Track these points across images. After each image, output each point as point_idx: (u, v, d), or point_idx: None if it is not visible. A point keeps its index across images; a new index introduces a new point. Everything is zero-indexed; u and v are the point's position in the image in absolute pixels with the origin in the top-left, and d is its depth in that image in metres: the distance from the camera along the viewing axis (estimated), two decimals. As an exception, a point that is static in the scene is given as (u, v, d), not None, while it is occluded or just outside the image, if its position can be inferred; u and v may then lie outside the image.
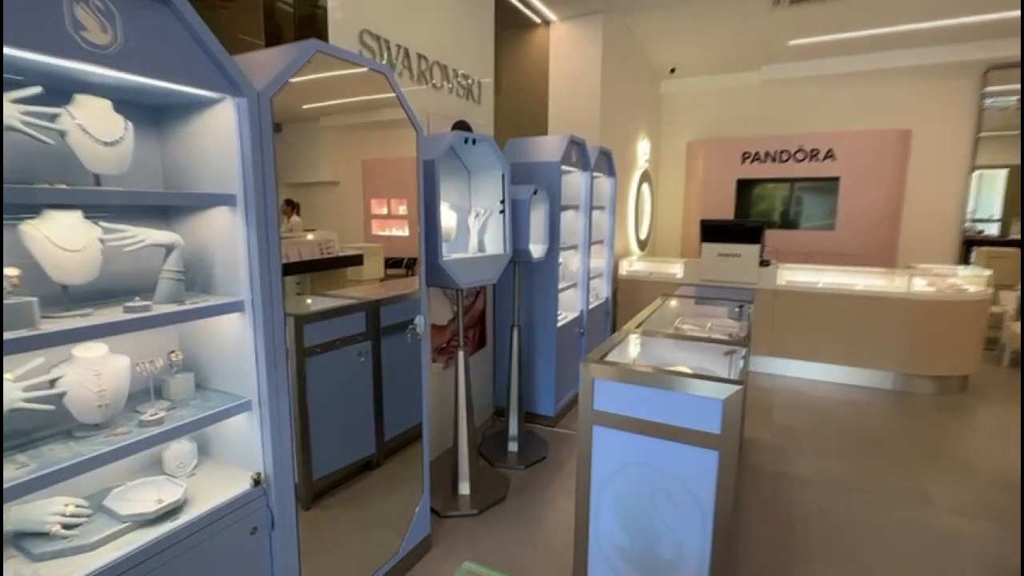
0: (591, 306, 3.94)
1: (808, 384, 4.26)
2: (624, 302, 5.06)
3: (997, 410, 3.78)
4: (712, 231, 4.60)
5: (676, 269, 4.93)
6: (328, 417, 2.34)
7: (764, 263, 4.44)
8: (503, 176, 2.49)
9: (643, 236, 6.07)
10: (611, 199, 4.22)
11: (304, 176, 2.08)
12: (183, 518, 1.28)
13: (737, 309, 2.77)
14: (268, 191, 1.37)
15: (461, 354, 2.51)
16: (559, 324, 3.40)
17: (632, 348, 2.05)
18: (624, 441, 1.62)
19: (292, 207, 2.03)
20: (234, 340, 1.44)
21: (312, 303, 2.53)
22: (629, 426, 1.60)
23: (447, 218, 2.31)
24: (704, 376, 1.52)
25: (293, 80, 1.45)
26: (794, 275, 4.49)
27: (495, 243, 2.57)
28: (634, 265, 5.27)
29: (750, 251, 4.42)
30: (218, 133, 1.34)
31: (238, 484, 1.43)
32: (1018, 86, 5.19)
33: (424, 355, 2.09)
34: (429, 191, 2.10)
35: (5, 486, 0.98)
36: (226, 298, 1.39)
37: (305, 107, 2.13)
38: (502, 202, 2.50)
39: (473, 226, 2.53)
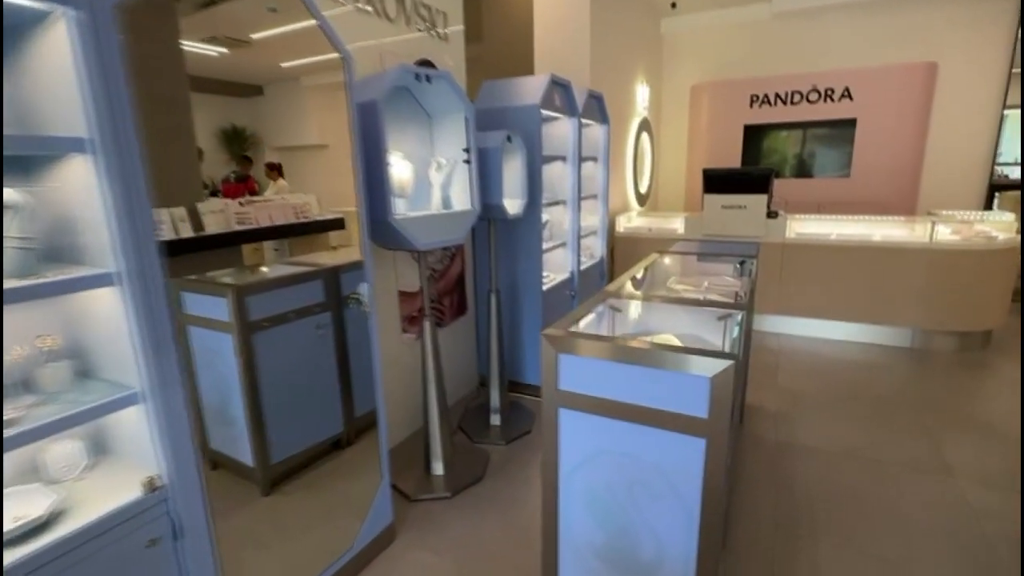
0: (583, 267, 3.65)
1: (819, 344, 3.99)
2: (622, 261, 4.76)
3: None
4: (716, 181, 4.24)
5: (677, 224, 4.59)
6: (284, 397, 2.12)
7: (772, 214, 4.10)
8: (466, 120, 2.17)
9: (643, 190, 5.70)
10: (604, 149, 3.86)
11: (289, 139, 1.92)
12: (52, 535, 1.06)
13: (738, 265, 2.47)
14: (125, 134, 1.08)
15: (427, 324, 2.26)
16: (546, 287, 3.13)
17: (610, 315, 1.77)
18: (595, 426, 1.36)
19: (275, 169, 1.88)
20: (114, 321, 1.18)
21: (268, 272, 2.28)
22: (600, 409, 1.35)
23: (400, 170, 2.01)
24: (687, 350, 1.24)
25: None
26: (804, 227, 4.14)
27: (462, 198, 2.27)
28: (632, 221, 4.93)
29: (757, 202, 4.07)
30: (55, 60, 1.04)
31: (130, 490, 1.20)
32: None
33: (373, 330, 1.83)
34: (369, 138, 1.80)
35: None
36: (91, 270, 1.13)
37: (284, 65, 1.84)
38: (466, 150, 2.18)
39: (435, 179, 2.23)
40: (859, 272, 3.84)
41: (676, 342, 1.56)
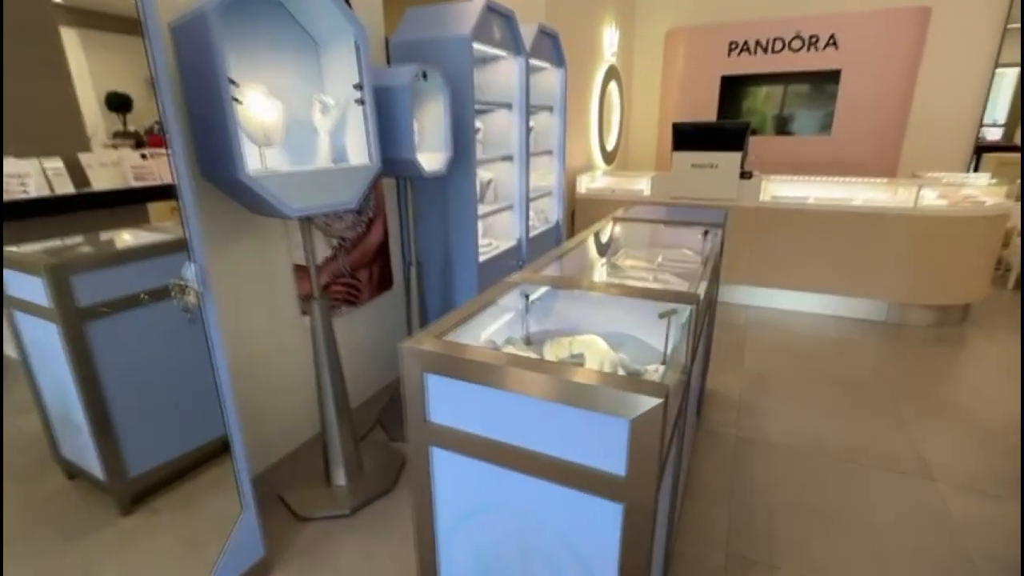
0: (535, 232, 3.22)
1: (790, 317, 3.68)
2: (583, 226, 4.33)
3: (1000, 339, 3.24)
4: (686, 137, 3.79)
5: (643, 185, 4.17)
6: (142, 397, 1.71)
7: (745, 175, 3.70)
8: (357, 47, 1.67)
9: (610, 147, 5.22)
10: (560, 97, 3.37)
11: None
12: None
13: (701, 236, 2.07)
14: None
15: (316, 307, 1.82)
16: (485, 257, 2.70)
17: (520, 309, 1.36)
18: (478, 474, 0.97)
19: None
20: None
21: (114, 243, 1.81)
22: (483, 453, 0.95)
23: (262, 110, 1.52)
24: (599, 379, 0.84)
25: None
26: (780, 188, 3.76)
27: (361, 151, 1.80)
28: (596, 181, 4.49)
29: (730, 160, 3.65)
30: None
31: None
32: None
33: (212, 328, 1.39)
34: (198, 66, 1.31)
35: None
36: None
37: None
38: (358, 87, 1.70)
39: (321, 125, 1.74)
40: (836, 239, 3.50)
41: (600, 347, 1.16)
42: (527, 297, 1.33)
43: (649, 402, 0.77)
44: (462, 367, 0.92)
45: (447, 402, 0.97)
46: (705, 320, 1.77)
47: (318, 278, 1.81)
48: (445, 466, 1.01)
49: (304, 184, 1.58)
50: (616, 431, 0.81)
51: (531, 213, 3.39)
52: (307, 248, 1.76)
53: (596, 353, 1.13)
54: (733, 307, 3.89)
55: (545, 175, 3.51)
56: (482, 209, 2.79)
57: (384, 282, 2.64)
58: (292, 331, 2.10)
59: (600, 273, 1.75)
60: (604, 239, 2.12)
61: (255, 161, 1.59)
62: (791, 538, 1.74)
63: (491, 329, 1.30)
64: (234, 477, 1.52)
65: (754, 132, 5.27)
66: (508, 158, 2.93)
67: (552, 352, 1.21)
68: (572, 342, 1.19)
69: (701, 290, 1.30)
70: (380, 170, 1.79)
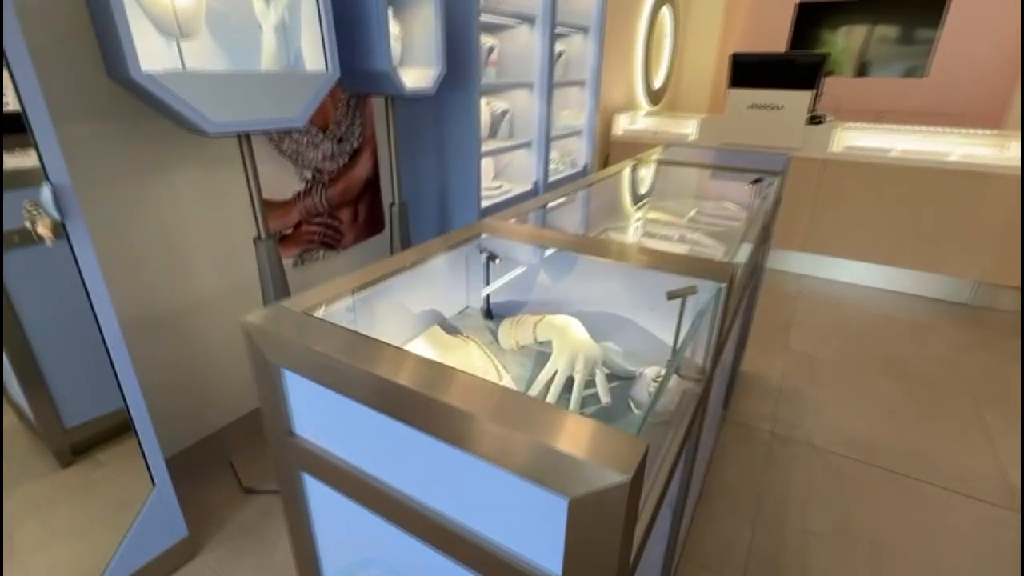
0: (556, 177, 2.80)
1: (851, 292, 3.16)
2: (617, 173, 3.84)
3: (1122, 341, 2.65)
4: (747, 71, 3.19)
5: (690, 128, 3.61)
6: (70, 343, 1.49)
7: (816, 119, 3.10)
8: (302, -93, 1.25)
9: (657, 85, 4.60)
10: (598, 16, 2.83)
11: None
12: None
13: (751, 184, 1.61)
14: None
15: (261, 248, 1.50)
16: (490, 203, 2.32)
17: (477, 270, 0.99)
18: (361, 521, 0.64)
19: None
20: None
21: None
22: (362, 495, 0.62)
23: (167, -12, 1.15)
24: (526, 425, 0.47)
25: None
26: (857, 138, 3.15)
27: (316, 54, 1.42)
28: (637, 122, 3.94)
29: (797, 101, 3.05)
30: None
31: None
32: None
33: (89, 273, 1.09)
34: None
35: None
36: None
37: None
38: (306, -34, 1.29)
39: (264, 17, 1.36)
40: (922, 202, 2.91)
41: (575, 336, 0.79)
42: (488, 256, 0.96)
43: (604, 478, 0.41)
44: (329, 370, 0.57)
45: (315, 413, 0.63)
46: (746, 295, 1.36)
47: (263, 214, 1.48)
48: (321, 500, 0.69)
49: (233, 92, 1.23)
50: (548, 511, 0.45)
51: (554, 154, 2.95)
52: (248, 175, 1.43)
53: (567, 344, 0.77)
54: (784, 275, 3.38)
55: (574, 111, 3.03)
56: (492, 145, 2.38)
57: (373, 224, 2.31)
58: (250, 277, 1.81)
59: (606, 228, 1.35)
60: (624, 184, 1.70)
61: (168, 58, 1.24)
62: (830, 569, 1.38)
63: (437, 295, 0.94)
64: (140, 450, 1.26)
65: (830, 73, 4.52)
66: (527, 86, 2.48)
67: (509, 336, 0.85)
68: (539, 324, 0.82)
69: (740, 258, 0.89)
70: (337, 79, 1.41)
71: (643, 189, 1.74)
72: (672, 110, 5.23)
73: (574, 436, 0.43)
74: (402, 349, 0.56)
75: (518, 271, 0.99)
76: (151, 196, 1.48)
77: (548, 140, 2.62)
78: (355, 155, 2.14)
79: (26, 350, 1.38)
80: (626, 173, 1.78)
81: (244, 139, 1.40)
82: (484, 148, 2.26)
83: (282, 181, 1.88)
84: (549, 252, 0.97)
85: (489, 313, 0.99)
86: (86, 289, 1.10)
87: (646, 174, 1.83)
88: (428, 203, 2.30)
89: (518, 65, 2.47)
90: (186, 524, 1.37)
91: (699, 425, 0.88)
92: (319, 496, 0.68)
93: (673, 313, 0.81)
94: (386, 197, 2.35)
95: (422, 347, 0.72)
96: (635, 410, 0.73)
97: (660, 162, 1.96)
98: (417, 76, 1.72)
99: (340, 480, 0.63)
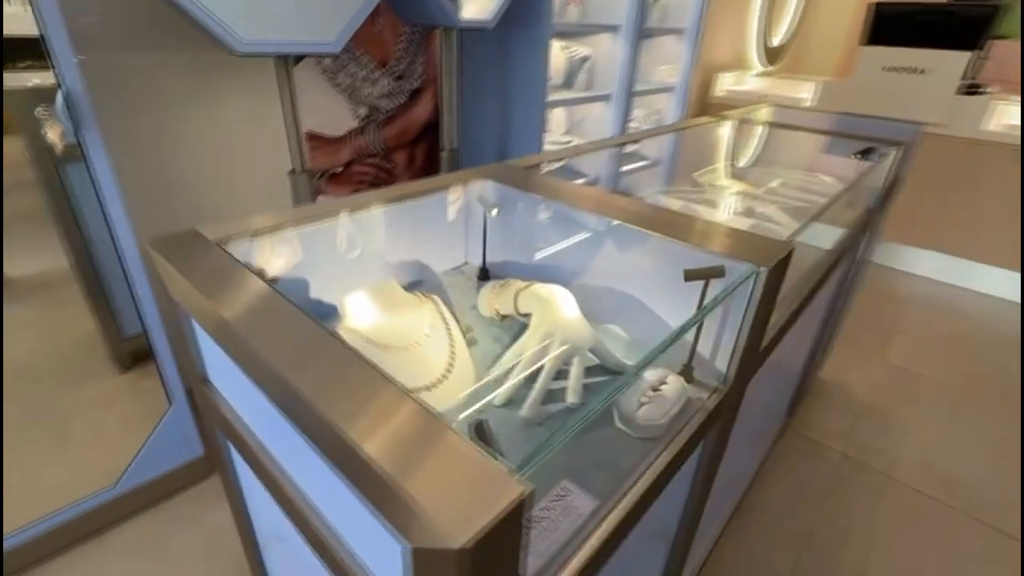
0: (635, 137, 2.53)
1: (982, 304, 2.64)
2: (713, 139, 3.44)
3: None
4: (889, 25, 2.66)
5: (807, 93, 3.12)
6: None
7: (973, 89, 2.53)
8: None
9: (777, 41, 4.03)
10: (707, -49, 2.46)
11: None
12: None
13: (858, 156, 1.31)
14: None
15: (295, 181, 1.46)
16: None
17: (465, 224, 0.85)
18: (268, 499, 0.56)
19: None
20: None
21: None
22: (259, 470, 0.52)
23: None
24: (377, 469, 0.34)
25: None
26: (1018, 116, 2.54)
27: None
28: (744, 83, 3.49)
29: (950, 63, 2.50)
30: None
31: None
32: None
33: (105, 187, 1.08)
34: None
35: None
36: None
37: None
38: None
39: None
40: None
41: (559, 313, 0.63)
42: (487, 207, 0.81)
43: (434, 538, 0.27)
44: (215, 325, 0.47)
45: (219, 364, 0.54)
46: (824, 288, 1.11)
47: (300, 145, 1.42)
48: (241, 468, 0.61)
49: (265, 8, 1.15)
50: (390, 554, 0.32)
51: (637, 111, 2.67)
52: (284, 101, 1.36)
53: (545, 321, 0.62)
54: (895, 274, 2.90)
55: (667, 63, 2.70)
56: (564, 94, 2.18)
57: (429, 171, 2.22)
58: (295, 211, 1.79)
59: (657, 191, 1.14)
60: (700, 141, 1.45)
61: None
62: (879, 634, 1.15)
63: (427, 245, 0.82)
64: (157, 370, 1.29)
65: (1000, 37, 3.70)
66: (612, 29, 2.22)
67: (489, 303, 0.71)
68: (522, 292, 0.67)
69: (807, 239, 0.68)
70: (377, 2, 1.29)
71: (722, 150, 1.48)
72: (794, 72, 4.59)
73: (431, 469, 0.29)
74: (303, 314, 0.44)
75: (521, 228, 0.83)
76: (194, 126, 1.47)
77: (630, 94, 2.35)
78: (415, 95, 2.04)
79: (90, 261, 1.45)
80: (707, 129, 1.52)
81: (281, 63, 1.33)
82: (554, 97, 2.07)
83: (334, 116, 1.82)
84: (562, 210, 0.80)
85: (485, 273, 0.85)
86: (101, 204, 1.10)
87: (732, 133, 1.56)
88: (487, 153, 2.16)
89: (604, 6, 2.20)
90: (203, 446, 1.41)
91: (711, 448, 0.70)
92: (239, 462, 0.61)
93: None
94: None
95: (360, 302, 0.60)
96: (618, 423, 0.58)
97: (754, 121, 1.66)
98: (477, 7, 1.55)
99: (240, 443, 0.54)
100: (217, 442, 0.63)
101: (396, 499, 0.28)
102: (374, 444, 0.31)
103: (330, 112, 1.80)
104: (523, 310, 0.67)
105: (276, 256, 0.64)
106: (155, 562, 1.24)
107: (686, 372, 0.64)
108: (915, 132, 1.52)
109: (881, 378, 2.02)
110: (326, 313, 0.65)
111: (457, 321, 0.65)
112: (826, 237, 1.05)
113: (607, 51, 2.29)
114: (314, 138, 1.79)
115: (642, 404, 0.56)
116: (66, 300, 2.42)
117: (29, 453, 1.52)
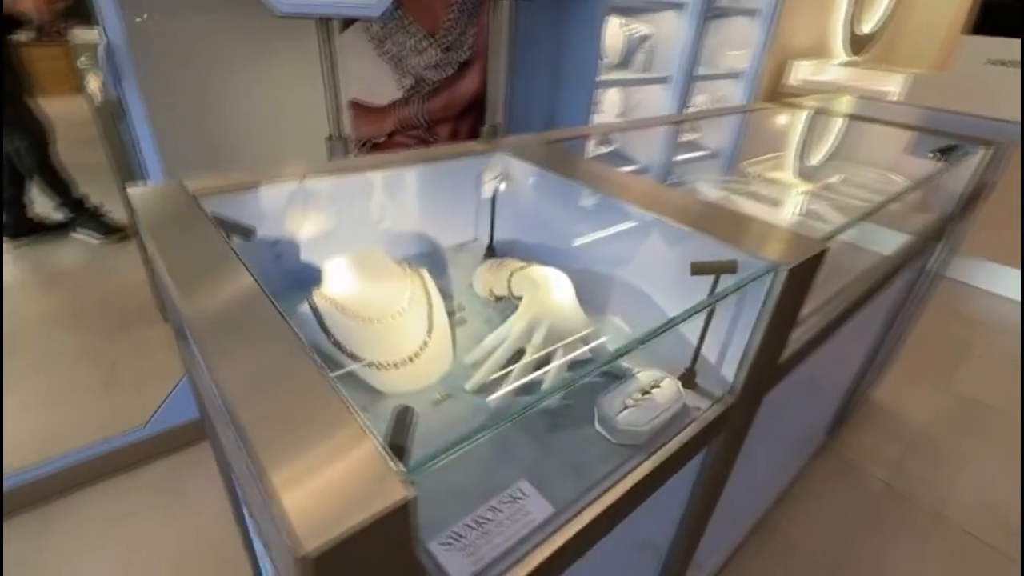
0: (693, 124, 2.39)
1: (1073, 332, 2.34)
2: (782, 133, 3.20)
3: None
4: (999, 14, 2.36)
5: (893, 86, 2.84)
6: None
7: (1093, 89, 2.22)
8: None
9: (867, 28, 3.69)
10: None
11: None
12: None
13: (936, 155, 1.16)
14: None
15: (331, 148, 1.45)
16: (609, 148, 2.04)
17: (482, 192, 0.80)
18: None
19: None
20: None
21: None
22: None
23: None
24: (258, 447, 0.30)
25: None
26: None
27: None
28: (823, 72, 3.22)
29: (1070, 60, 2.19)
30: None
31: None
32: None
33: (144, 141, 1.10)
34: None
35: None
36: None
37: None
38: None
39: None
40: None
41: (548, 298, 0.58)
42: (494, 180, 0.76)
43: (290, 548, 0.23)
44: (166, 285, 0.45)
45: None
46: (877, 299, 0.99)
47: (337, 111, 1.42)
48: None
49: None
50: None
51: (699, 97, 2.52)
52: (324, 65, 1.35)
53: (533, 305, 0.57)
54: (974, 292, 2.62)
55: (737, 47, 2.52)
56: (620, 74, 2.08)
57: (473, 148, 2.17)
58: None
59: (689, 179, 1.05)
60: (758, 127, 1.33)
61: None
62: None
63: (436, 216, 0.78)
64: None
65: None
66: (676, 6, 2.08)
67: (484, 282, 0.67)
68: (516, 274, 0.62)
69: (845, 237, 0.59)
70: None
71: (783, 139, 1.36)
72: (882, 63, 4.20)
73: (311, 460, 0.26)
74: (248, 277, 0.41)
75: (534, 206, 0.78)
76: (236, 87, 1.49)
77: (692, 78, 2.21)
78: (463, 68, 1.99)
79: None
80: (770, 115, 1.40)
81: (323, 26, 1.32)
82: (608, 76, 1.97)
83: (380, 85, 1.81)
84: (579, 190, 0.74)
85: (492, 252, 0.80)
86: (138, 157, 1.13)
87: (799, 122, 1.42)
88: (531, 131, 2.09)
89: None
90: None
91: (714, 462, 0.63)
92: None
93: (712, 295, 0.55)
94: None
95: (339, 268, 0.57)
96: (597, 426, 0.52)
97: (828, 111, 1.50)
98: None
99: (207, 413, 0.53)
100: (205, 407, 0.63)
101: (265, 489, 0.25)
102: (257, 422, 0.27)
103: (376, 81, 1.79)
104: (516, 292, 0.62)
105: (268, 214, 0.63)
106: (173, 502, 1.30)
107: (687, 377, 0.58)
108: (1012, 132, 1.33)
109: (942, 405, 1.83)
110: (311, 278, 0.63)
111: (448, 299, 0.61)
112: (886, 242, 0.93)
113: (670, 30, 2.16)
114: (358, 106, 1.79)
115: (626, 407, 0.50)
116: (124, 249, 2.55)
117: (78, 386, 1.62)
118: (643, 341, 0.41)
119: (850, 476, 1.52)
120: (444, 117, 2.03)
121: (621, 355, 0.40)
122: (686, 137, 1.38)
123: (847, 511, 1.41)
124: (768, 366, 0.59)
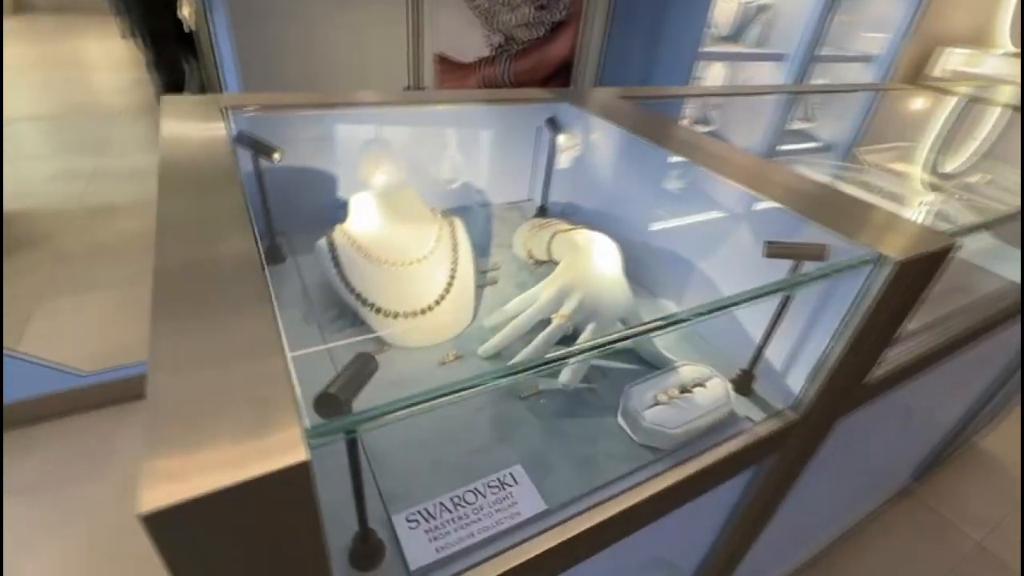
0: (806, 110, 2.14)
1: None
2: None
3: None
4: None
5: (1069, 85, 2.37)
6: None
7: None
8: None
9: (1045, 18, 3.10)
10: None
11: None
12: None
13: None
14: None
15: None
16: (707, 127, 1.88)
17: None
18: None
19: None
20: None
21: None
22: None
23: None
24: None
25: None
26: None
27: None
28: (980, 63, 2.76)
29: None
30: None
31: None
32: None
33: (227, 59, 1.12)
34: None
35: None
36: None
37: None
38: None
39: None
40: None
41: (587, 266, 0.50)
42: (556, 132, 0.67)
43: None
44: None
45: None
46: (1009, 332, 0.81)
47: (417, 63, 1.38)
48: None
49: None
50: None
51: (816, 80, 2.24)
52: (409, 16, 1.31)
53: (569, 271, 0.49)
54: None
55: (872, 28, 2.21)
56: (728, 47, 1.89)
57: (557, 116, 2.07)
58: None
59: (791, 157, 0.91)
60: (888, 112, 1.14)
61: None
62: None
63: (490, 170, 0.72)
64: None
65: None
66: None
67: (525, 243, 0.60)
68: (556, 236, 0.55)
69: (976, 243, 0.46)
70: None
71: (919, 128, 1.15)
72: (1056, 63, 3.55)
73: (216, 402, 0.21)
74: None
75: (596, 167, 0.69)
76: (323, 30, 1.48)
77: (812, 58, 1.96)
78: (556, 29, 1.88)
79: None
80: (908, 99, 1.19)
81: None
82: (713, 48, 1.79)
83: (467, 40, 1.75)
84: (648, 152, 0.64)
85: (544, 211, 0.73)
86: (221, 86, 1.15)
87: (945, 110, 1.20)
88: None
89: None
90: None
91: (765, 483, 0.53)
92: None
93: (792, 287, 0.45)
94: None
95: (365, 205, 0.52)
96: (619, 418, 0.44)
97: (986, 101, 1.26)
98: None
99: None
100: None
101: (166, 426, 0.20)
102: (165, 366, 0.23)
103: (463, 35, 1.73)
104: (556, 256, 0.55)
105: (310, 138, 0.59)
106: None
107: (742, 381, 0.48)
108: None
109: (1070, 467, 1.54)
110: (338, 214, 0.59)
111: (484, 257, 0.55)
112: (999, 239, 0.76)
113: (793, 3, 1.92)
114: (444, 61, 1.74)
115: (657, 403, 0.42)
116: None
117: (133, 311, 1.70)
118: (679, 321, 0.32)
119: (935, 529, 1.31)
120: (530, 80, 1.94)
121: (646, 332, 0.31)
122: (796, 126, 1.20)
123: (925, 567, 1.22)
124: (849, 385, 0.48)
